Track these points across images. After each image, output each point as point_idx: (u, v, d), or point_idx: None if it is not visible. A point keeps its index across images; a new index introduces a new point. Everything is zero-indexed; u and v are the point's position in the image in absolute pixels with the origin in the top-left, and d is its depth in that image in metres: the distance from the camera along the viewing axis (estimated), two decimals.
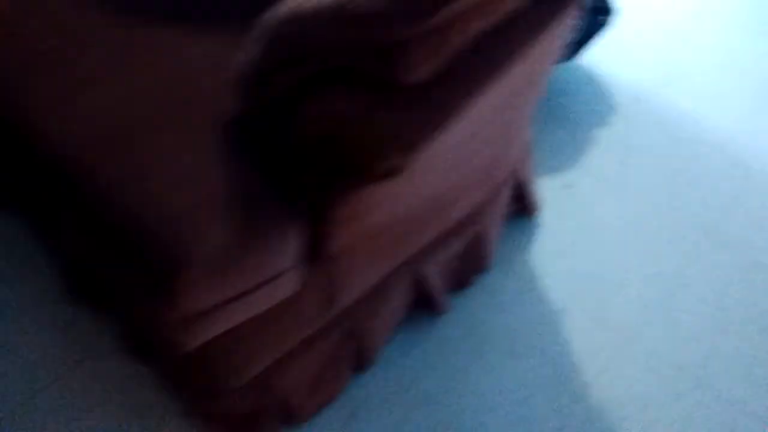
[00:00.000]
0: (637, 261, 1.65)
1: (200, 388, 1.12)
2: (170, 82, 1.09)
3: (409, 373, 1.41)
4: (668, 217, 1.75)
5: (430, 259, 1.38)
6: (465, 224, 1.44)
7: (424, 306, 1.46)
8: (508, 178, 1.55)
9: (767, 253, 1.67)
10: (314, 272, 1.07)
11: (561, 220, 1.72)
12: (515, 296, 1.57)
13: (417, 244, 1.32)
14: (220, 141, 1.02)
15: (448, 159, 1.15)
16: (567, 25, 1.23)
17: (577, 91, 2.04)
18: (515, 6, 0.96)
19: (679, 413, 1.41)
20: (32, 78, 1.12)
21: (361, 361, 1.36)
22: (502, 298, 1.56)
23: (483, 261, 1.55)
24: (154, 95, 1.07)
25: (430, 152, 1.03)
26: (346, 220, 1.00)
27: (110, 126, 1.03)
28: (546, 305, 1.56)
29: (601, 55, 2.12)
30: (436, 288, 1.44)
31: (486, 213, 1.50)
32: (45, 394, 1.31)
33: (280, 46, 0.87)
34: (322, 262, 1.06)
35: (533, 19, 1.07)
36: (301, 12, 0.84)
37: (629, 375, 1.46)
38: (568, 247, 1.67)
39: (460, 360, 1.45)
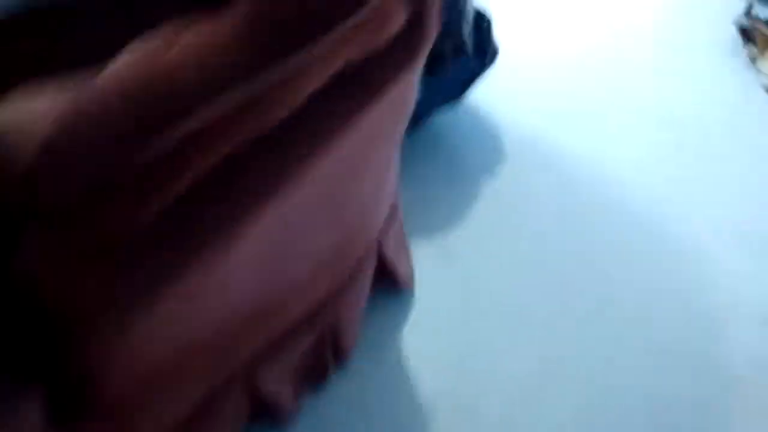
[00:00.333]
0: (517, 342, 1.47)
1: None
2: None
3: None
4: (557, 287, 1.57)
5: (265, 367, 1.16)
6: (311, 318, 1.23)
7: (265, 414, 1.24)
8: (368, 255, 1.35)
9: (664, 334, 1.51)
10: (84, 427, 0.83)
11: (437, 293, 1.53)
12: (380, 388, 1.36)
13: (241, 356, 1.10)
14: None
15: (255, 269, 0.94)
16: (404, 94, 1.03)
17: (460, 137, 1.85)
18: (298, 105, 0.76)
19: None
20: None
21: None
22: (365, 391, 1.35)
23: (339, 352, 1.34)
24: None
25: (211, 276, 0.81)
26: (99, 372, 0.77)
27: None
28: (414, 398, 1.36)
29: (487, 96, 1.94)
30: (277, 394, 1.22)
31: (339, 301, 1.29)
32: None
33: None
34: (90, 415, 0.83)
35: (344, 103, 0.87)
36: None
37: None
38: (443, 327, 1.47)
39: None
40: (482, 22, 1.80)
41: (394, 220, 1.42)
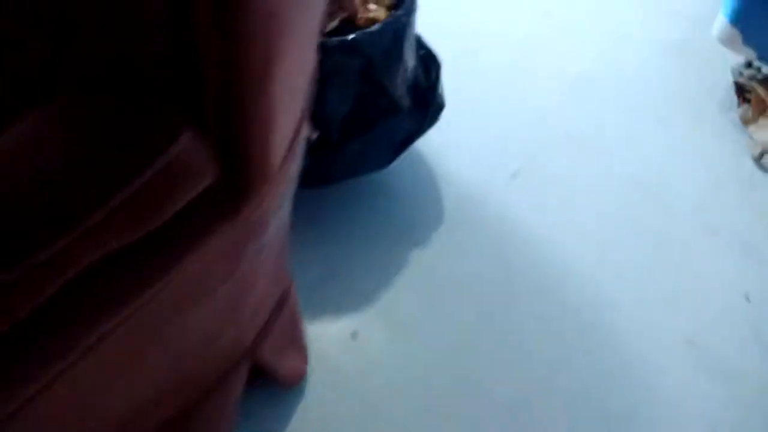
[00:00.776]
0: None
1: None
2: None
3: None
4: (471, 388, 1.39)
5: None
6: None
7: None
8: (236, 364, 1.18)
9: None
10: None
11: (334, 390, 1.36)
12: None
13: None
14: None
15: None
16: (242, 237, 0.84)
17: (393, 194, 1.66)
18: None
19: None
20: None
21: None
22: None
23: None
24: None
25: None
26: None
27: None
28: None
29: (431, 146, 1.73)
30: None
31: (196, 417, 1.13)
32: None
33: None
34: None
35: (123, 285, 0.69)
36: None
37: None
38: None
39: None
40: (430, 68, 1.59)
41: (280, 316, 1.24)
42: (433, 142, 1.69)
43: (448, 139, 1.73)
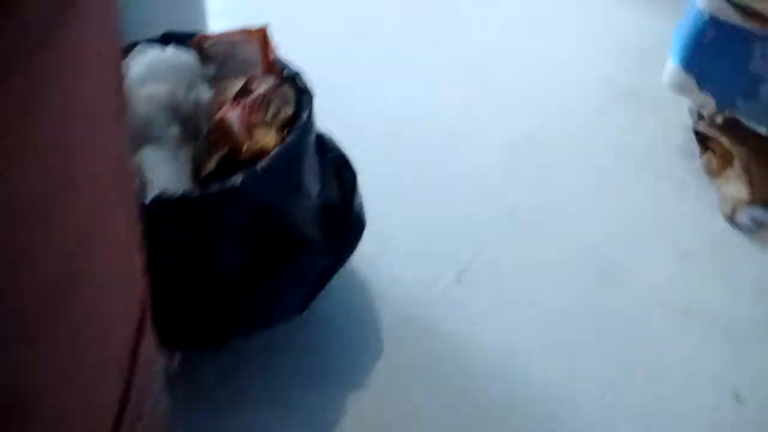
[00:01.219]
0: None
1: None
2: None
3: None
4: None
5: None
6: None
7: None
8: None
9: None
10: None
11: None
12: None
13: None
14: None
15: None
16: None
17: (324, 329, 1.43)
18: None
19: None
20: None
21: None
22: None
23: None
24: None
25: None
26: None
27: None
28: None
29: (360, 263, 1.50)
30: None
31: None
32: None
33: None
34: None
35: None
36: None
37: None
38: None
39: None
40: (344, 178, 1.37)
41: None
42: (362, 253, 1.46)
43: (378, 247, 1.51)
